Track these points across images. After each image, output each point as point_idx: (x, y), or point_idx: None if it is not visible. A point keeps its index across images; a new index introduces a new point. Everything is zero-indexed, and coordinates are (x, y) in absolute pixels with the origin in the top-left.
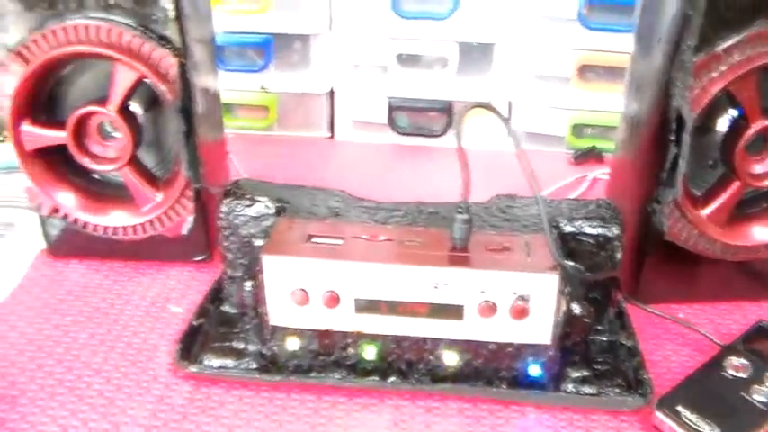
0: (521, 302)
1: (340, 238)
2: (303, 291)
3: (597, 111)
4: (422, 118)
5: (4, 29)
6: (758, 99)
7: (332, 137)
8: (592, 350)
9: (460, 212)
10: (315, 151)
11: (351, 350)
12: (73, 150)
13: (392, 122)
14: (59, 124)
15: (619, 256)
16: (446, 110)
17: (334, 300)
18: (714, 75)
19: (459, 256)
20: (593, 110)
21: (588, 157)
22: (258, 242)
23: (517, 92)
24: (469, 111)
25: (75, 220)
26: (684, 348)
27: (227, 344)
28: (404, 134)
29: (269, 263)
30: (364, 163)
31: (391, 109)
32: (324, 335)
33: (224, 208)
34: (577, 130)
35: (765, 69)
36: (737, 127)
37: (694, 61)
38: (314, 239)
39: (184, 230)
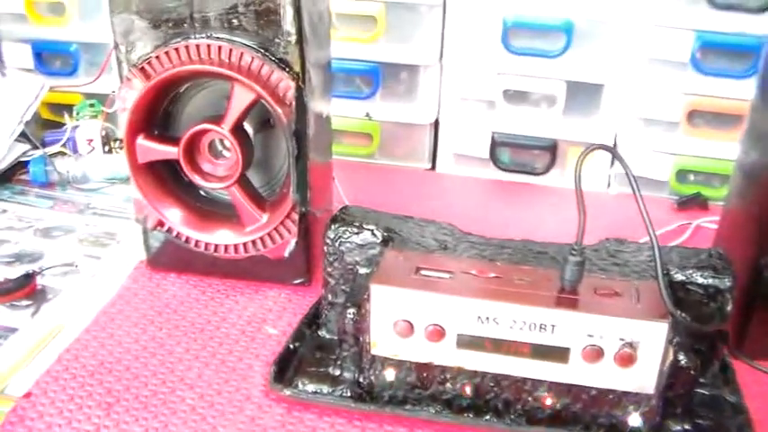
0: (628, 349)
1: (448, 272)
2: (407, 322)
3: (703, 157)
4: (525, 155)
5: (131, 45)
6: None
7: (433, 168)
8: (694, 403)
9: (574, 254)
10: (416, 181)
11: (448, 385)
12: (184, 167)
13: (494, 158)
14: (172, 140)
15: (729, 308)
16: (550, 148)
17: (437, 334)
18: None
19: (568, 298)
20: (699, 155)
21: (692, 203)
22: (363, 270)
23: (623, 134)
24: (591, 152)
25: (179, 235)
26: None
27: (322, 369)
28: (505, 170)
29: (376, 292)
30: (465, 196)
31: (494, 144)
32: (423, 368)
33: (331, 233)
34: (682, 175)
35: None
36: None
37: None
38: (422, 272)
39: (286, 253)
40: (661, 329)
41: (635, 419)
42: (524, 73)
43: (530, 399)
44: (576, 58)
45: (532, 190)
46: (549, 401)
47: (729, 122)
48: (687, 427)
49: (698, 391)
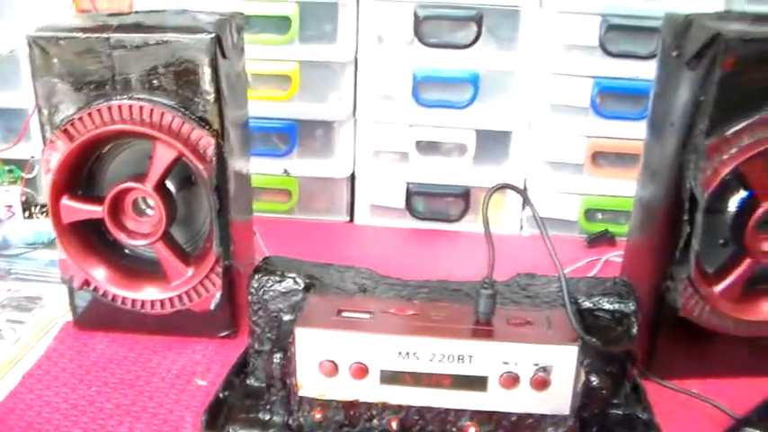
0: (542, 374)
1: (368, 312)
2: (332, 362)
3: (608, 195)
4: (439, 203)
5: (54, 107)
6: (767, 179)
7: (351, 221)
8: (609, 423)
9: (486, 287)
10: (335, 234)
11: (375, 421)
12: (109, 225)
13: (410, 207)
14: (97, 199)
15: (635, 330)
16: (463, 195)
17: (361, 371)
18: (725, 157)
19: (483, 329)
20: (604, 194)
21: (601, 240)
22: (287, 317)
23: (532, 178)
24: (496, 191)
25: (106, 294)
26: (699, 422)
27: (252, 415)
28: (421, 218)
29: (300, 335)
30: (384, 245)
31: (409, 194)
32: (349, 406)
33: (254, 283)
34: (590, 214)
35: None
36: (748, 206)
37: (706, 144)
38: (343, 313)
39: (212, 306)
40: (571, 353)
41: None
42: (435, 124)
43: (454, 429)
44: (483, 108)
45: (448, 236)
46: (472, 430)
47: (630, 161)
48: None
49: (613, 411)
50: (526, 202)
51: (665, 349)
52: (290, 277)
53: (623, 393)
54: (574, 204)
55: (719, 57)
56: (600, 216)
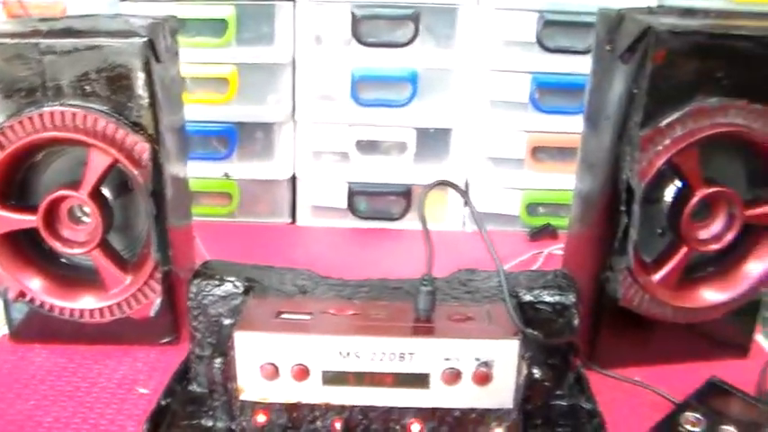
0: (483, 368)
1: (308, 313)
2: (272, 365)
3: (549, 189)
4: (381, 202)
5: None
6: (700, 169)
7: (293, 222)
8: (553, 414)
9: (425, 285)
10: (277, 236)
11: (318, 423)
12: (43, 234)
13: (352, 207)
14: (31, 208)
15: (576, 322)
16: (405, 194)
17: (302, 373)
18: (659, 148)
19: (424, 326)
20: (545, 188)
21: (543, 234)
22: (227, 321)
23: (473, 174)
24: (433, 187)
25: (42, 305)
26: (642, 408)
27: (195, 422)
28: (363, 218)
29: (239, 338)
30: (326, 246)
31: (351, 194)
32: (292, 408)
33: (193, 288)
34: (531, 208)
35: (706, 142)
36: (682, 196)
37: (640, 136)
38: (283, 315)
39: (152, 312)
40: (512, 346)
41: None
42: (375, 123)
43: (398, 427)
44: (423, 106)
45: (390, 235)
46: (416, 427)
47: (570, 155)
48: None
49: (557, 403)
50: (463, 197)
51: (608, 339)
52: (229, 281)
53: (567, 384)
54: (515, 199)
55: (651, 50)
56: (541, 210)
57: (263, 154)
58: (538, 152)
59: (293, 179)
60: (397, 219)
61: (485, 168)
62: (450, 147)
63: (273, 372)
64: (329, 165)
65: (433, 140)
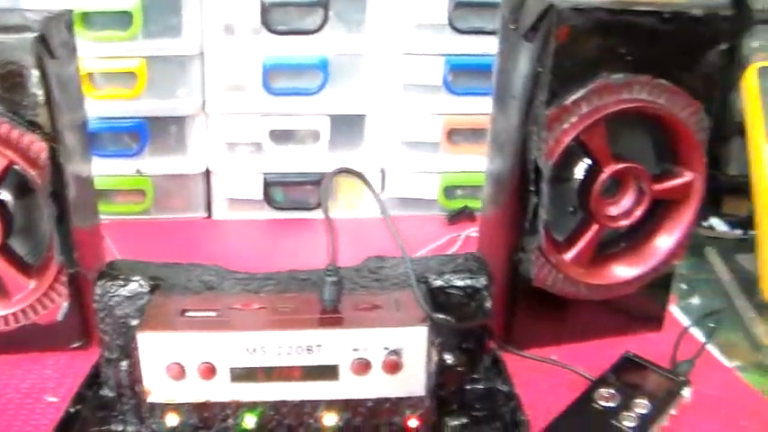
0: (393, 357)
1: (213, 309)
2: (178, 365)
3: (466, 172)
4: (297, 192)
5: None
6: (607, 146)
7: (209, 217)
8: (469, 398)
9: (330, 275)
10: (193, 232)
11: (230, 421)
12: None
13: (268, 198)
14: None
15: (488, 305)
16: (320, 182)
17: (209, 371)
18: (565, 126)
19: (330, 317)
20: (462, 171)
21: (461, 217)
22: (134, 322)
23: (389, 160)
24: (335, 175)
25: None
26: (559, 388)
27: (105, 428)
28: (280, 209)
29: (143, 339)
30: (242, 239)
31: (267, 185)
32: (202, 407)
33: (98, 290)
34: (449, 191)
35: (612, 118)
36: (591, 173)
37: (546, 114)
38: (188, 313)
39: (59, 316)
40: (421, 333)
41: (413, 422)
42: (287, 112)
43: (311, 420)
44: (335, 93)
45: (308, 225)
46: (331, 419)
47: (485, 137)
48: (464, 420)
49: (473, 386)
50: (365, 183)
51: (523, 320)
52: (134, 280)
53: (482, 368)
54: (433, 183)
55: (553, 28)
56: (459, 193)
57: (176, 148)
58: (453, 135)
59: (207, 173)
60: (313, 208)
61: (401, 153)
62: (365, 133)
63: (180, 371)
64: (243, 156)
65: (347, 127)
